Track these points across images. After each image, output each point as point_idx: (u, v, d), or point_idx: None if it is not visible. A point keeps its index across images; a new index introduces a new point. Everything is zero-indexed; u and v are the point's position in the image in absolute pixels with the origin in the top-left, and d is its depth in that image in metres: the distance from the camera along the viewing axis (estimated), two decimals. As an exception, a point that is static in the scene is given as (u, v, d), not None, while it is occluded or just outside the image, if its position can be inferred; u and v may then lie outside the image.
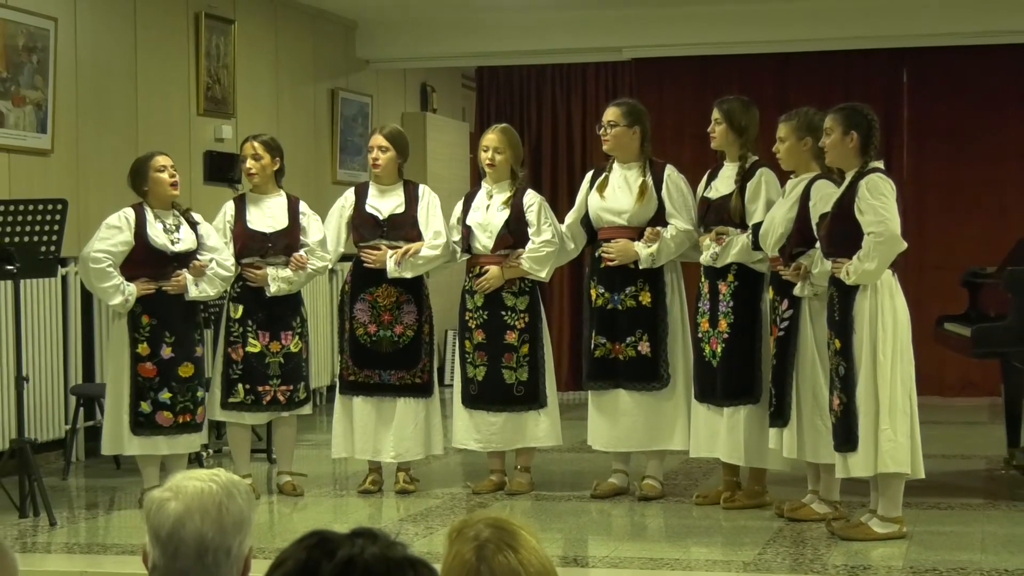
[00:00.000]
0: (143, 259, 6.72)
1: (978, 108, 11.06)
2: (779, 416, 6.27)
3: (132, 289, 6.66)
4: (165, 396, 6.74)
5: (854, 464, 5.84)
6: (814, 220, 6.05)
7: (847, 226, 5.79)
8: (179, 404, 6.77)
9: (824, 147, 5.99)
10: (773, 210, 6.34)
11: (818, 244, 6.02)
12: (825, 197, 6.03)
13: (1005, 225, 10.07)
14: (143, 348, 6.73)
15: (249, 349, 7.00)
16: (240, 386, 7.00)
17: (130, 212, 6.76)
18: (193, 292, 6.79)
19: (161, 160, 6.85)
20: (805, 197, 6.16)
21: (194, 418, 6.84)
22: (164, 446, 6.79)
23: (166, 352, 6.76)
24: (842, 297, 5.86)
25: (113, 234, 6.70)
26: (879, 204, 5.72)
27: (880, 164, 5.91)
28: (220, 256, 6.89)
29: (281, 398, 7.06)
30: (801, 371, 6.21)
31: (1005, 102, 11.06)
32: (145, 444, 6.76)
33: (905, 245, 5.78)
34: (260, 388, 7.01)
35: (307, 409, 7.33)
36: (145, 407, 6.73)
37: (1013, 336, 6.72)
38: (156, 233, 6.75)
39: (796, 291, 6.17)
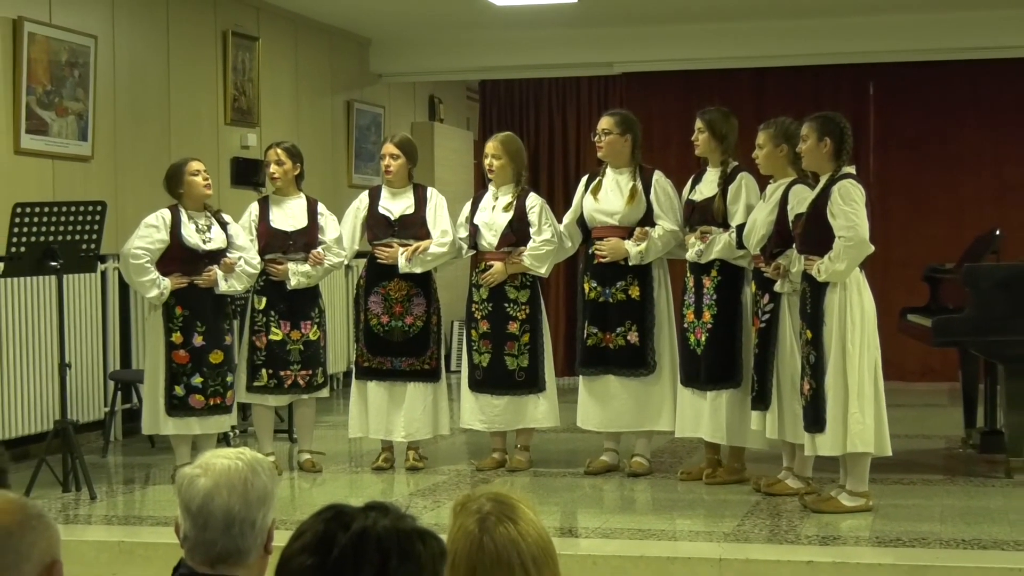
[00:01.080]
0: (177, 256, 6.73)
1: (937, 118, 11.10)
2: (761, 400, 6.27)
3: (167, 283, 6.67)
4: (197, 381, 6.75)
5: (822, 443, 5.86)
6: (791, 221, 6.05)
7: (820, 227, 5.79)
8: (210, 388, 6.78)
9: (800, 153, 5.99)
10: (755, 212, 6.33)
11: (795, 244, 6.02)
12: (802, 200, 6.02)
13: (962, 225, 10.10)
14: (177, 337, 6.74)
15: (272, 337, 7.00)
16: (264, 371, 7.00)
17: (167, 213, 6.77)
18: (223, 286, 6.79)
19: (195, 165, 6.86)
20: (784, 201, 6.15)
21: (224, 401, 6.84)
22: (196, 426, 6.79)
23: (198, 340, 6.76)
24: (814, 292, 5.86)
25: (151, 233, 6.72)
26: (850, 210, 5.72)
27: (852, 169, 5.91)
28: (248, 255, 6.89)
29: (301, 382, 7.06)
30: (781, 359, 6.20)
31: (962, 112, 11.10)
32: (179, 424, 6.77)
33: (872, 249, 5.79)
34: (282, 373, 7.01)
35: (325, 392, 7.33)
36: (179, 391, 6.73)
37: (970, 327, 6.72)
38: (189, 233, 6.75)
39: (776, 287, 6.16)
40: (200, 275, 6.73)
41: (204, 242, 6.77)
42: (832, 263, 5.71)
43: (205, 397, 6.77)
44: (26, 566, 2.10)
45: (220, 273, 6.76)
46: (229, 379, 6.88)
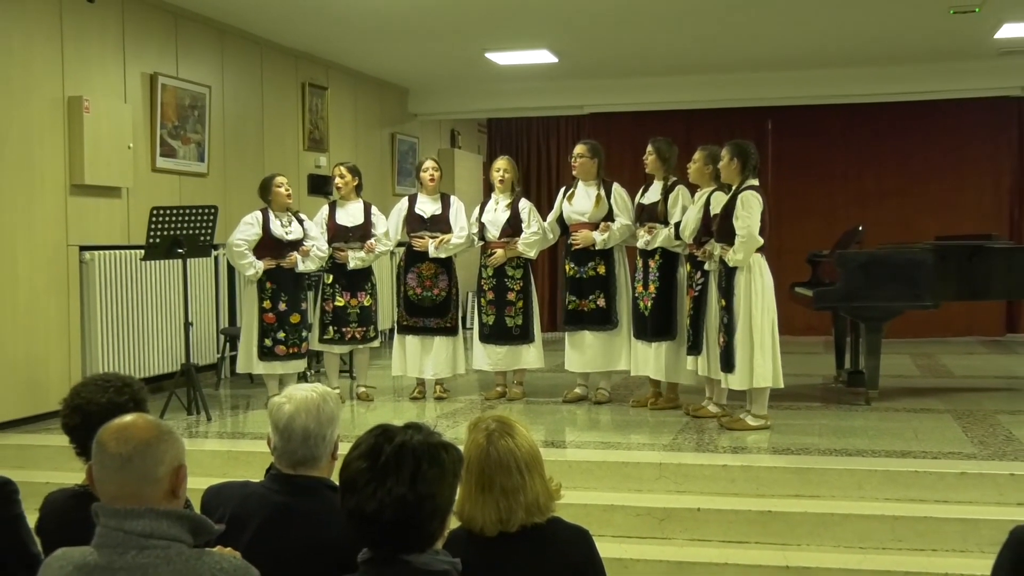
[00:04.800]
0: (268, 245, 6.70)
1: (817, 145, 11.16)
2: (695, 348, 6.25)
3: (260, 265, 6.66)
4: (281, 335, 6.73)
5: (732, 380, 5.86)
6: (712, 218, 6.04)
7: (729, 224, 5.78)
8: (290, 341, 6.76)
9: (720, 169, 5.99)
10: (688, 212, 6.31)
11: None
12: (718, 203, 6.01)
13: (834, 222, 10.10)
14: (267, 304, 6.72)
15: (337, 303, 6.98)
16: (331, 328, 6.98)
17: (259, 214, 6.76)
18: (301, 267, 6.77)
19: (280, 179, 6.85)
20: (707, 204, 6.13)
21: (300, 350, 6.83)
22: (279, 368, 6.78)
23: (282, 306, 6.74)
24: (727, 272, 5.85)
25: (247, 228, 6.70)
26: (746, 215, 5.70)
27: (755, 181, 5.87)
28: (319, 243, 6.87)
29: (358, 336, 7.04)
30: (709, 318, 6.18)
31: (834, 141, 11.16)
32: (267, 366, 6.76)
33: (762, 242, 5.75)
34: (344, 329, 6.99)
35: (375, 343, 7.31)
36: (268, 342, 6.72)
37: (840, 296, 6.73)
38: (275, 228, 6.73)
39: (706, 266, 6.15)
40: (284, 259, 6.71)
41: (286, 234, 6.75)
42: (735, 253, 5.72)
43: (286, 347, 6.75)
44: (160, 468, 2.10)
45: (299, 257, 6.74)
46: (304, 334, 6.86)
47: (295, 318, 6.78)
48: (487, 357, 7.05)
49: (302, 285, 6.95)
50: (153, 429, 2.12)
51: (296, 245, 6.77)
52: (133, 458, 2.07)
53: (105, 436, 2.11)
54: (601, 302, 6.79)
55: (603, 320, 6.80)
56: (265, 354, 6.73)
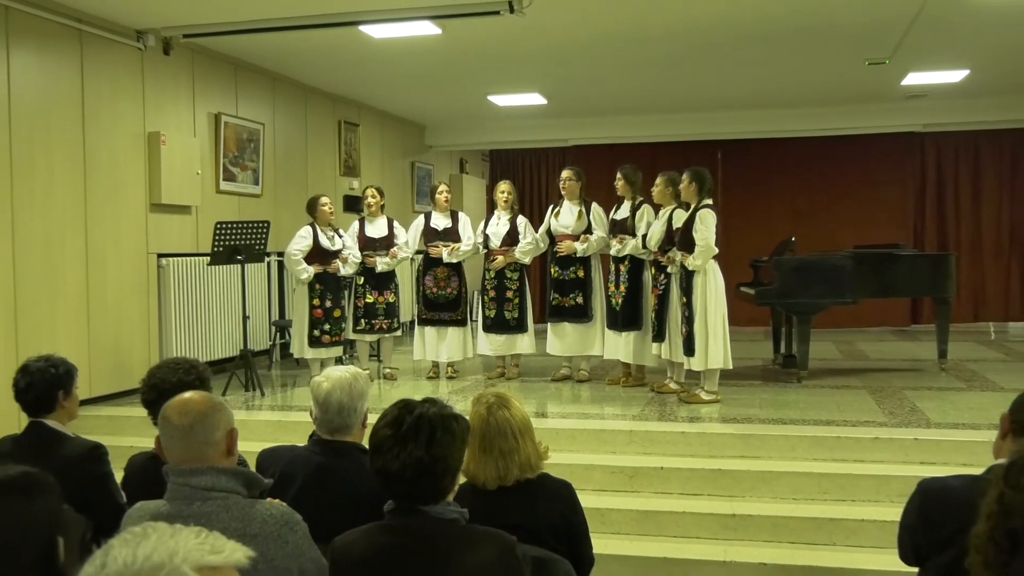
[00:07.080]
0: (316, 253, 6.69)
1: (759, 172, 11.13)
2: (659, 336, 6.24)
3: (311, 270, 6.66)
4: (326, 327, 6.72)
5: (693, 363, 5.84)
6: (675, 230, 6.03)
7: (689, 236, 5.76)
8: (332, 331, 6.75)
9: (680, 190, 5.98)
10: (654, 226, 6.30)
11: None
12: (679, 218, 6.00)
13: (772, 234, 10.10)
14: (316, 301, 6.71)
15: (367, 300, 6.97)
16: (363, 320, 6.97)
17: (309, 228, 6.76)
18: (342, 272, 6.77)
19: (324, 199, 6.84)
20: (670, 219, 6.12)
21: (339, 339, 6.82)
22: (324, 353, 6.76)
23: (327, 303, 6.73)
24: (687, 275, 5.83)
25: (301, 240, 6.72)
26: (704, 228, 5.69)
27: (710, 201, 5.86)
28: (354, 252, 6.86)
29: (384, 327, 7.02)
30: (670, 312, 6.16)
31: (772, 168, 11.14)
32: (315, 352, 6.75)
33: (717, 251, 5.75)
34: (373, 321, 6.98)
35: (398, 333, 7.29)
36: (316, 333, 6.71)
37: (776, 294, 6.72)
38: (323, 239, 6.73)
39: (668, 270, 6.14)
40: (329, 265, 6.70)
41: (332, 244, 6.75)
42: (695, 259, 5.71)
43: (330, 336, 6.74)
44: (217, 433, 2.10)
45: (340, 264, 6.74)
46: (343, 326, 6.85)
47: (336, 313, 6.78)
48: (489, 344, 7.03)
49: (341, 286, 6.94)
50: (207, 402, 2.12)
51: (338, 254, 6.77)
52: (194, 427, 2.07)
53: (169, 411, 2.10)
54: (579, 299, 6.77)
55: (580, 314, 6.78)
56: (313, 342, 6.73)
